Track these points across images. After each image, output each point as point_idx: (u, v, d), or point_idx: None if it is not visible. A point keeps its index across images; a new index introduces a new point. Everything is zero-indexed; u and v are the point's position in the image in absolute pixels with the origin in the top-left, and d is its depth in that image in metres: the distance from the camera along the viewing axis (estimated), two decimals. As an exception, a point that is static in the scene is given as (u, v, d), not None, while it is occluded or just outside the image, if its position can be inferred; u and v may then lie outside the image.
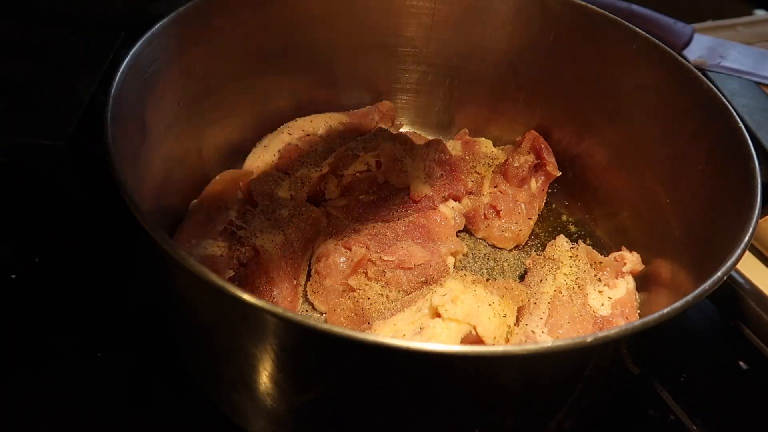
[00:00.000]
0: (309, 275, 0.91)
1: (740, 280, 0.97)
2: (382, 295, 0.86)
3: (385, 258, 0.88)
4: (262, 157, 1.02)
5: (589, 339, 0.55)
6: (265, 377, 0.64)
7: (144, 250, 0.95)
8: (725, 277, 0.63)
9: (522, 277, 0.96)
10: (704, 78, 0.87)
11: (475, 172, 1.06)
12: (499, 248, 1.01)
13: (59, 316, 0.87)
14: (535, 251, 1.01)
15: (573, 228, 1.06)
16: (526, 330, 0.79)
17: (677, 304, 0.60)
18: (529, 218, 1.02)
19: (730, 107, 0.82)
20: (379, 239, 0.91)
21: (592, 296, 0.85)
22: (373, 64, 1.11)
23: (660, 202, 0.91)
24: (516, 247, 1.02)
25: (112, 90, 0.71)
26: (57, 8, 1.22)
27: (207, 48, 0.91)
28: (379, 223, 0.95)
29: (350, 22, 1.05)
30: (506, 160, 1.06)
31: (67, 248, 0.95)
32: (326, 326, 0.53)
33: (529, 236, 1.02)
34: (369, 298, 0.85)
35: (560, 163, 1.06)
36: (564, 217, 1.08)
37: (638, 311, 0.87)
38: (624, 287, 0.87)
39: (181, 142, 0.89)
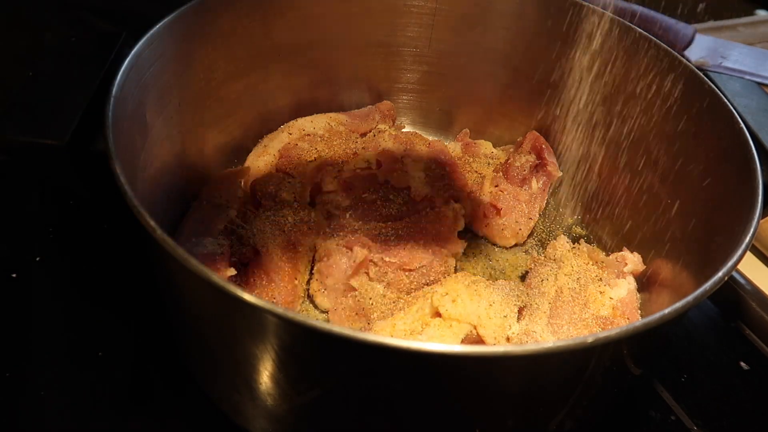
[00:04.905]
0: (311, 274, 0.91)
1: (741, 280, 0.96)
2: (384, 296, 0.86)
3: (387, 259, 0.88)
4: (262, 157, 1.02)
5: (590, 339, 0.55)
6: (265, 377, 0.64)
7: (144, 249, 0.95)
8: (726, 278, 0.63)
9: (523, 277, 0.96)
10: (706, 78, 0.87)
11: (476, 171, 1.06)
12: (500, 247, 1.01)
13: (59, 316, 0.87)
14: (536, 251, 1.01)
15: (574, 228, 1.06)
16: (527, 330, 0.79)
17: (678, 304, 0.60)
18: (530, 218, 1.02)
19: (731, 108, 0.82)
20: (381, 240, 0.91)
21: (593, 296, 0.85)
22: (374, 64, 1.11)
23: (661, 203, 0.91)
24: (517, 247, 1.01)
25: (112, 90, 0.71)
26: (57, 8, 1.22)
27: (207, 48, 0.91)
28: (381, 224, 0.95)
29: (351, 22, 1.05)
30: (507, 160, 1.06)
31: (67, 248, 0.95)
32: (327, 326, 0.53)
33: (530, 236, 1.02)
34: (371, 299, 0.85)
35: (561, 164, 1.06)
36: (565, 218, 1.07)
37: (639, 312, 0.87)
38: (625, 287, 0.87)
39: (181, 142, 0.89)
